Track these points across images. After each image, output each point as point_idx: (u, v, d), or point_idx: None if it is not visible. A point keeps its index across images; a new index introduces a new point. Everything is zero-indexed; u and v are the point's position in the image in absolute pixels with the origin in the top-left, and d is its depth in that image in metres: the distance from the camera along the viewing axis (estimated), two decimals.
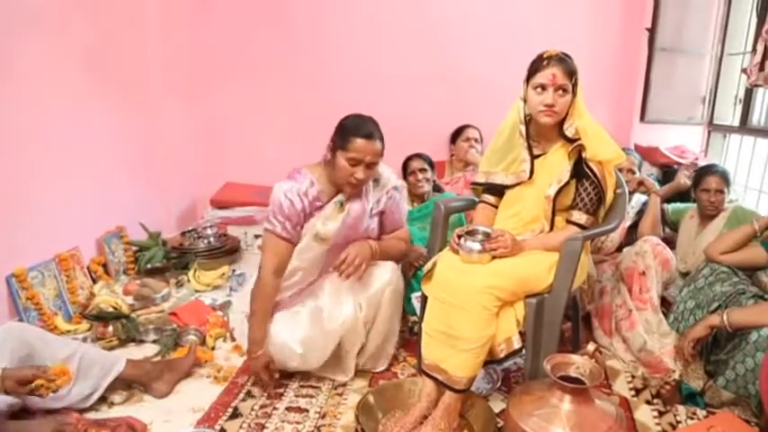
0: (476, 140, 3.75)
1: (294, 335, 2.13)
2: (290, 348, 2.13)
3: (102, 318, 2.61)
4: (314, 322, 2.15)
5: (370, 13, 3.90)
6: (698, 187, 2.84)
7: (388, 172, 2.32)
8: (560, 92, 1.95)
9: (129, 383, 2.12)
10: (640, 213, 3.06)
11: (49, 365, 1.76)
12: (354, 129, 2.07)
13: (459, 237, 1.96)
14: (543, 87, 1.96)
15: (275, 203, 2.11)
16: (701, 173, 2.87)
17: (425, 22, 3.88)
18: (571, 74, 1.96)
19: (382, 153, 2.14)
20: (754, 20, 3.55)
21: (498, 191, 2.21)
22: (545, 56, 1.98)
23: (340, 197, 2.17)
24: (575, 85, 1.98)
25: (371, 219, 2.25)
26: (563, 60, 1.96)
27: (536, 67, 1.98)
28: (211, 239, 3.58)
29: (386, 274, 2.21)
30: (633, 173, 3.18)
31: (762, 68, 2.90)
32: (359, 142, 2.05)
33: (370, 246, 2.18)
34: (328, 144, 2.14)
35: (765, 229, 2.26)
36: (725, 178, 2.80)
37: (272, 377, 2.16)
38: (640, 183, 3.14)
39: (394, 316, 2.28)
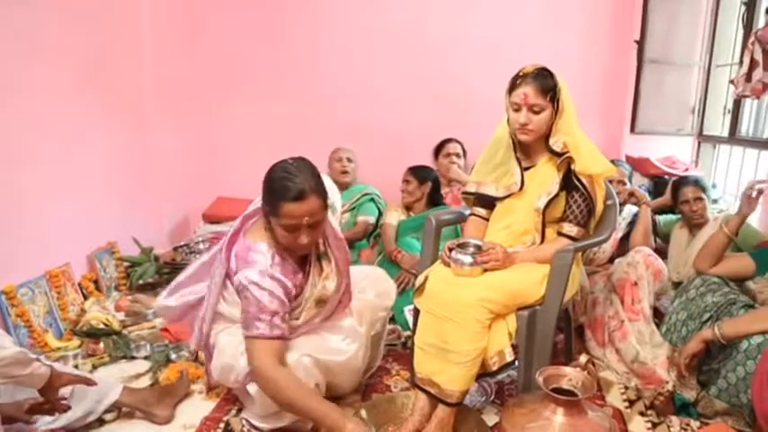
0: (457, 155, 3.74)
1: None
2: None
3: (92, 334, 2.60)
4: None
5: (363, 29, 3.91)
6: (677, 202, 2.93)
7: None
8: (534, 110, 1.95)
9: (126, 410, 2.07)
10: (632, 224, 3.07)
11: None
12: (280, 191, 1.70)
13: (451, 250, 1.96)
14: (518, 106, 1.96)
15: (253, 303, 1.74)
16: (676, 187, 2.98)
17: (417, 38, 3.89)
18: (546, 91, 1.94)
19: (325, 206, 1.78)
20: (741, 31, 3.59)
21: (489, 203, 2.21)
22: (521, 74, 1.97)
23: (320, 252, 1.94)
24: (555, 101, 1.96)
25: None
26: (537, 78, 1.94)
27: (512, 84, 1.99)
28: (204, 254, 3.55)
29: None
30: (624, 184, 3.21)
31: (748, 79, 2.93)
32: (289, 207, 1.69)
33: None
34: (263, 206, 1.79)
35: (738, 229, 2.26)
36: (699, 185, 2.89)
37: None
38: (631, 194, 3.16)
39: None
